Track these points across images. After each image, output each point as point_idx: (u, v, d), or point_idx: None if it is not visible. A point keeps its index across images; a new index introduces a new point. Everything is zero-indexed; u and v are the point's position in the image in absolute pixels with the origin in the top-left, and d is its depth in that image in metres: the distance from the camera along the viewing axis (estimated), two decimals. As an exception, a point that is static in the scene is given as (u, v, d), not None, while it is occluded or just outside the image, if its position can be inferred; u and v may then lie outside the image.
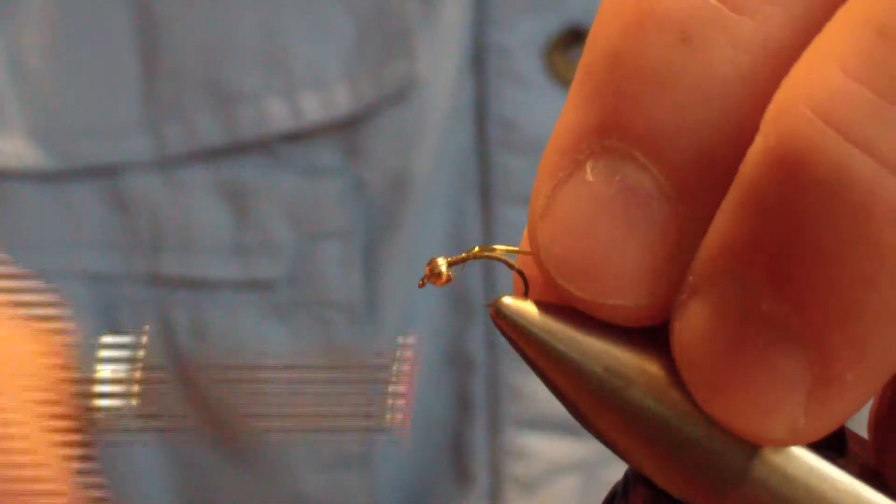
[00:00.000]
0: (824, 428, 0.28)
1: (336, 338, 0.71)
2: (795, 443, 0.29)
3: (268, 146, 0.71)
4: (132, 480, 0.72)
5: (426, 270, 0.31)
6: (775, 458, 0.29)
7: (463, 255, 0.31)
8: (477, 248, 0.32)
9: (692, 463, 0.30)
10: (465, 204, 0.72)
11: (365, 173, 0.71)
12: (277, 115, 0.71)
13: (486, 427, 0.73)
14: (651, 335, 0.30)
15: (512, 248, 0.31)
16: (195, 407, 0.72)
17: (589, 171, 0.29)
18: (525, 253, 0.31)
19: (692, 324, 0.28)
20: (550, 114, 0.72)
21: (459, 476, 0.73)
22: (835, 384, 0.28)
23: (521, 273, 0.31)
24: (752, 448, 0.29)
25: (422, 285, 0.31)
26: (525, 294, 0.31)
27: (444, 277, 0.31)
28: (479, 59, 0.72)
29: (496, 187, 0.72)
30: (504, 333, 0.30)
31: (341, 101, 0.71)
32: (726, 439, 0.29)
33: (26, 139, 0.71)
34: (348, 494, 0.72)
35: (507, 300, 0.30)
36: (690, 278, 0.28)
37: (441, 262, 0.31)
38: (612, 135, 0.29)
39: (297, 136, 0.71)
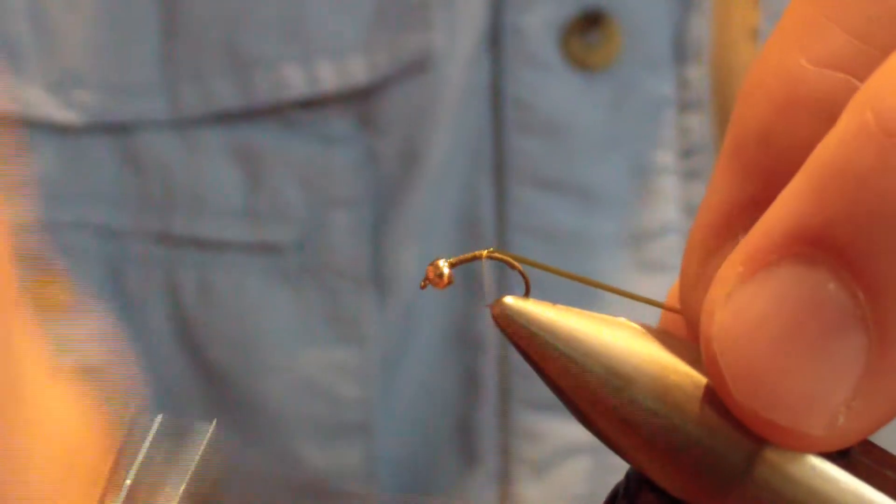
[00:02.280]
0: (861, 430, 0.29)
1: (342, 306, 0.72)
2: (829, 445, 0.29)
3: (282, 112, 0.72)
4: None
5: (427, 272, 0.31)
6: (777, 457, 0.29)
7: (465, 255, 0.32)
8: (486, 252, 0.32)
9: (693, 462, 0.30)
10: (479, 184, 0.72)
11: (377, 144, 0.72)
12: (293, 81, 0.72)
13: (495, 408, 0.73)
14: (652, 335, 0.30)
15: (529, 259, 0.31)
16: (196, 370, 0.72)
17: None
18: (673, 310, 0.32)
19: (740, 312, 0.28)
20: (565, 96, 0.72)
21: (466, 457, 0.74)
22: (887, 375, 0.28)
23: (523, 273, 0.31)
24: (753, 447, 0.29)
25: (423, 287, 0.32)
26: (526, 294, 0.31)
27: (445, 279, 0.32)
28: (496, 39, 0.72)
29: (510, 168, 0.72)
30: (505, 332, 0.31)
31: (357, 71, 0.71)
32: (728, 438, 0.30)
33: (44, 90, 0.72)
34: (347, 466, 0.72)
35: (509, 300, 0.30)
36: (740, 269, 0.28)
37: (442, 264, 0.32)
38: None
39: (311, 104, 0.72)
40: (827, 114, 0.29)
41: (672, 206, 0.74)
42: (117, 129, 0.72)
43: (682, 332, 0.32)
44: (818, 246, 0.28)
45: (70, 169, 0.73)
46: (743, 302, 0.28)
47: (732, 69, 0.74)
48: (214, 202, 0.73)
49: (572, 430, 0.73)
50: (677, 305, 0.32)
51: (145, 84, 0.72)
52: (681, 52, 0.73)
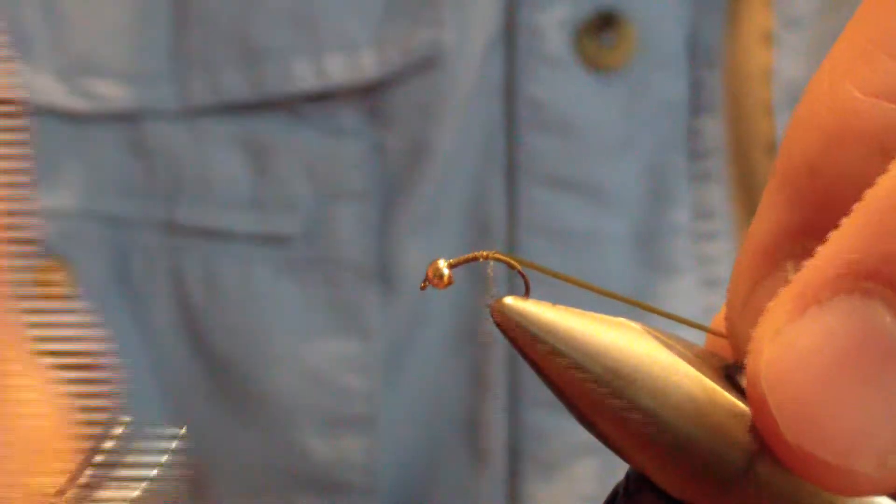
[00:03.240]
0: None
1: (347, 298, 0.72)
2: (878, 485, 0.29)
3: (291, 105, 0.73)
4: None
5: (427, 273, 0.31)
6: (776, 458, 0.30)
7: (464, 256, 0.32)
8: (486, 253, 0.32)
9: (693, 463, 0.30)
10: (490, 181, 0.73)
11: (386, 138, 0.72)
12: (303, 74, 0.72)
13: (505, 406, 0.73)
14: (651, 335, 0.30)
15: (528, 261, 0.32)
16: (200, 360, 0.73)
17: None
18: (718, 334, 0.32)
19: (789, 347, 0.28)
20: (579, 96, 0.72)
21: (473, 455, 0.74)
22: None
23: (523, 274, 0.32)
24: (752, 448, 0.29)
25: (423, 287, 0.32)
26: (526, 295, 0.31)
27: (445, 280, 0.32)
28: (510, 37, 0.72)
29: (522, 167, 0.72)
30: (505, 333, 0.31)
31: (366, 66, 0.72)
32: (728, 438, 0.30)
33: (53, 77, 0.73)
34: (350, 458, 0.72)
35: (508, 300, 0.31)
36: (789, 306, 0.28)
37: (442, 265, 0.32)
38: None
39: (320, 97, 0.72)
40: (878, 144, 0.29)
41: (683, 208, 0.74)
42: (125, 118, 0.73)
43: (728, 357, 0.32)
44: (876, 279, 0.27)
45: (77, 157, 0.73)
46: (792, 336, 0.28)
47: (746, 73, 0.74)
48: (221, 192, 0.73)
49: (583, 430, 0.73)
50: (723, 330, 0.32)
51: (155, 73, 0.73)
52: (694, 55, 0.73)
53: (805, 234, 0.30)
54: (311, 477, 0.73)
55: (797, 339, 0.28)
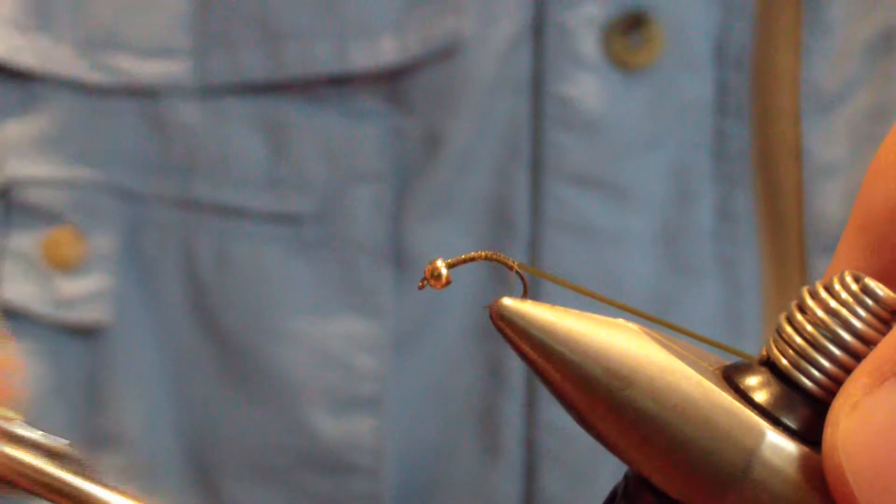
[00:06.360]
0: None
1: (359, 279, 0.73)
2: None
3: (310, 87, 0.74)
4: (134, 414, 0.73)
5: (425, 272, 0.31)
6: (774, 458, 0.30)
7: (462, 256, 0.32)
8: (484, 253, 0.32)
9: (691, 463, 0.30)
10: (514, 175, 0.73)
11: (403, 123, 0.72)
12: (323, 57, 0.73)
13: (522, 401, 0.73)
14: (650, 336, 0.30)
15: (527, 266, 0.32)
16: (209, 336, 0.73)
17: None
18: (737, 353, 0.33)
19: (867, 419, 0.29)
20: (605, 94, 0.72)
21: (488, 447, 0.74)
22: None
23: (521, 275, 0.32)
24: (751, 448, 0.29)
25: (421, 287, 0.32)
26: (524, 296, 0.31)
27: (443, 280, 0.32)
28: (538, 34, 0.72)
29: (547, 163, 0.73)
30: (504, 334, 0.31)
31: (387, 52, 0.72)
32: (726, 439, 0.30)
33: (75, 49, 0.74)
34: (358, 438, 0.73)
35: (507, 301, 0.31)
36: (866, 380, 0.29)
37: (440, 265, 0.32)
38: None
39: (340, 80, 0.73)
40: None
41: (707, 209, 0.74)
42: (144, 93, 0.74)
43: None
44: None
45: (95, 129, 0.74)
46: (869, 409, 0.29)
47: (774, 77, 0.74)
48: (237, 170, 0.74)
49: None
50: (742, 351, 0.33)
51: (175, 50, 0.74)
52: (722, 57, 0.73)
53: (883, 280, 0.31)
54: (318, 457, 0.73)
55: (874, 412, 0.29)
